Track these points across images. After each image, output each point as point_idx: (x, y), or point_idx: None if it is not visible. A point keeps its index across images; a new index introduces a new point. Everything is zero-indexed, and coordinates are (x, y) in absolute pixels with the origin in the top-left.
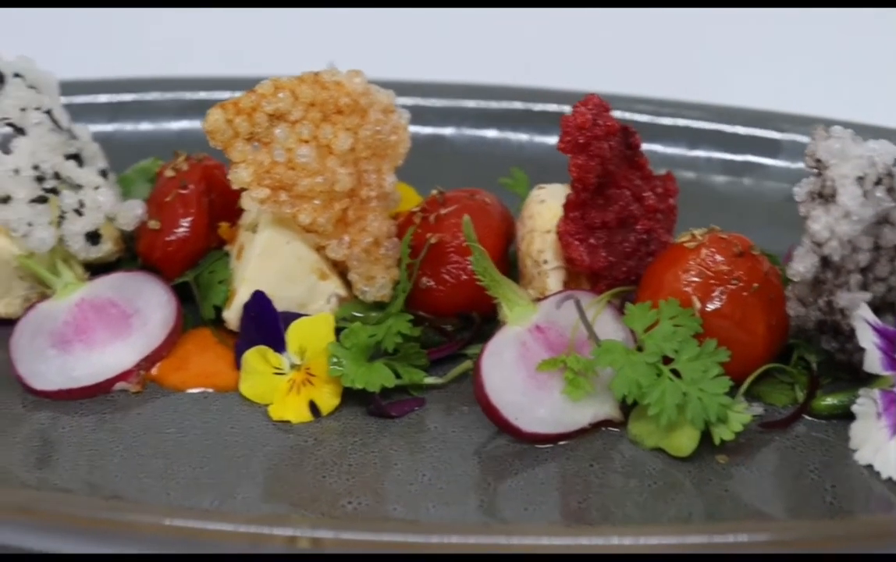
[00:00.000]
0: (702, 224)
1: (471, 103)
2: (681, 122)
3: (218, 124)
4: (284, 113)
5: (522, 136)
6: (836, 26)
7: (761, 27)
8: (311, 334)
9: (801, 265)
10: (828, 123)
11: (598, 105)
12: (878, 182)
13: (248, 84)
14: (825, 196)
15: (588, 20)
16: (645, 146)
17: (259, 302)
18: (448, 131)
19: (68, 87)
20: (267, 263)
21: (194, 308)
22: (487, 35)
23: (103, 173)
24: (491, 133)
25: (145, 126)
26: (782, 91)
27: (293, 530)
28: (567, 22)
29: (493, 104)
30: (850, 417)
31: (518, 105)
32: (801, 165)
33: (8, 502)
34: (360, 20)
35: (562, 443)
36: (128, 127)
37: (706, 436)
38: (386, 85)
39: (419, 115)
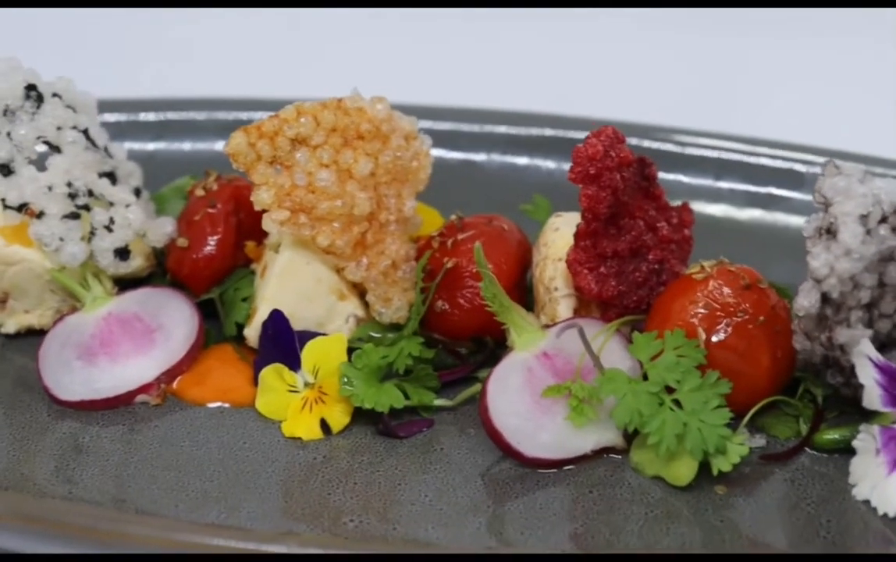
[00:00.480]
0: (723, 255)
1: (502, 129)
2: (707, 153)
3: (240, 147)
4: (306, 137)
5: (551, 164)
6: (868, 58)
7: (791, 59)
8: (324, 354)
9: (806, 300)
10: (853, 158)
11: (610, 136)
12: (882, 220)
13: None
14: (831, 232)
15: (620, 51)
16: (670, 176)
17: (276, 321)
18: (479, 157)
19: (114, 106)
20: (287, 282)
21: (218, 324)
22: (521, 62)
23: (137, 191)
24: (522, 160)
25: (187, 145)
26: (809, 123)
27: (284, 547)
28: (600, 53)
29: (524, 131)
30: (852, 452)
31: (548, 132)
32: None
33: (18, 510)
34: (398, 48)
35: (564, 468)
36: (171, 146)
37: (706, 466)
38: (418, 110)
39: (451, 140)
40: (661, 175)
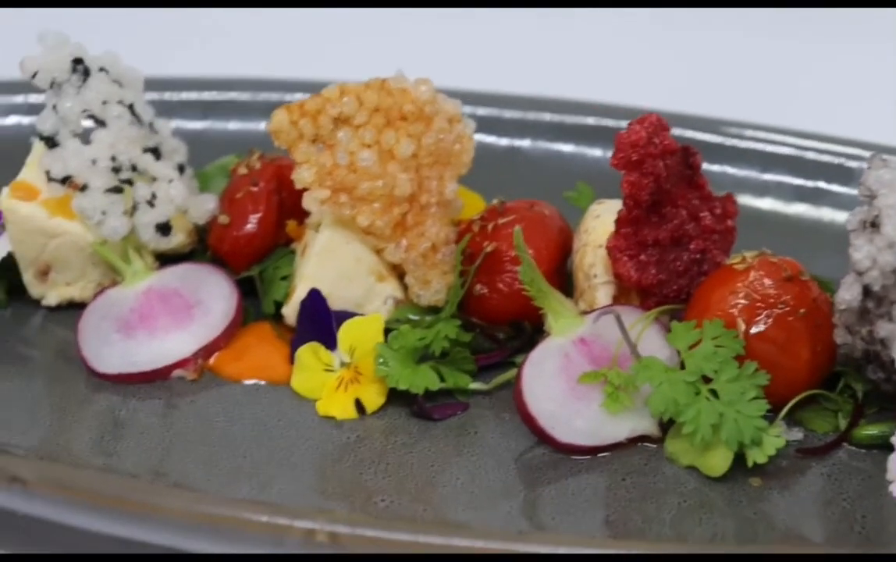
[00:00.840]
0: (767, 248)
1: (547, 116)
2: (754, 145)
3: (282, 125)
4: (349, 117)
5: (598, 152)
6: None
7: (840, 55)
8: (361, 334)
9: (848, 294)
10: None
11: (654, 124)
12: None
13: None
14: (875, 225)
15: (669, 43)
16: (716, 168)
17: (314, 300)
18: (524, 143)
19: (160, 85)
20: (326, 262)
21: (257, 302)
22: (567, 52)
23: (181, 168)
24: (567, 147)
25: (234, 125)
26: (859, 119)
27: (312, 523)
28: (647, 45)
29: (569, 118)
30: (891, 448)
31: (592, 120)
32: None
33: (55, 479)
34: (447, 33)
35: (598, 456)
36: (218, 125)
37: (742, 458)
38: (464, 96)
39: (497, 126)
40: (707, 166)
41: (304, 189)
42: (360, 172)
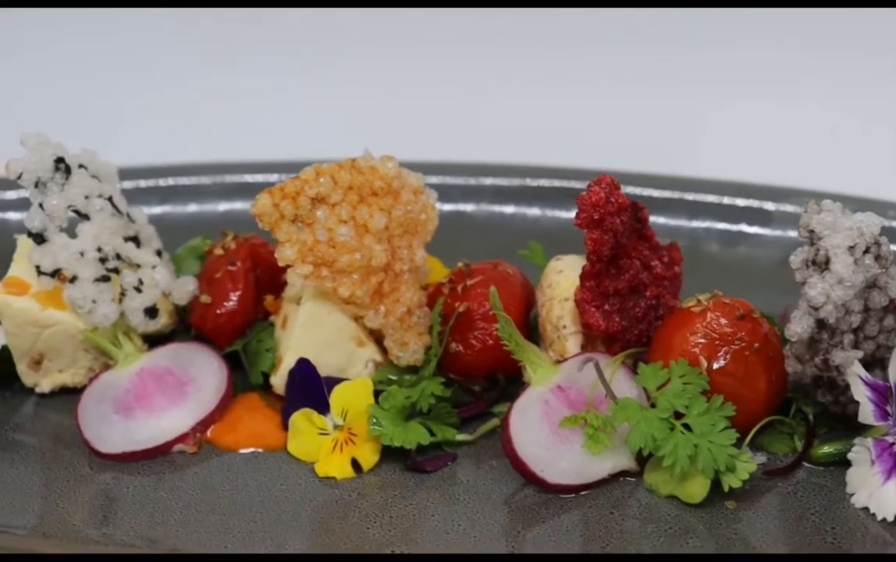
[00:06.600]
0: (701, 289)
1: (489, 181)
2: (681, 195)
3: (266, 208)
4: (325, 196)
5: (536, 211)
6: (815, 104)
7: (750, 105)
8: (352, 397)
9: (799, 327)
10: (815, 195)
11: (609, 184)
12: (866, 250)
13: (284, 167)
14: (818, 264)
15: (595, 104)
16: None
17: (304, 368)
18: (469, 207)
19: (124, 174)
20: (310, 332)
21: (243, 374)
22: (504, 119)
23: (158, 253)
24: (508, 208)
25: (192, 208)
26: (769, 165)
27: None
28: (576, 107)
29: (509, 181)
30: (846, 463)
31: (530, 182)
32: (791, 234)
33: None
34: (382, 107)
35: (583, 492)
36: (176, 209)
37: (715, 484)
38: (413, 166)
39: (443, 193)
40: None
41: (287, 266)
42: (338, 246)
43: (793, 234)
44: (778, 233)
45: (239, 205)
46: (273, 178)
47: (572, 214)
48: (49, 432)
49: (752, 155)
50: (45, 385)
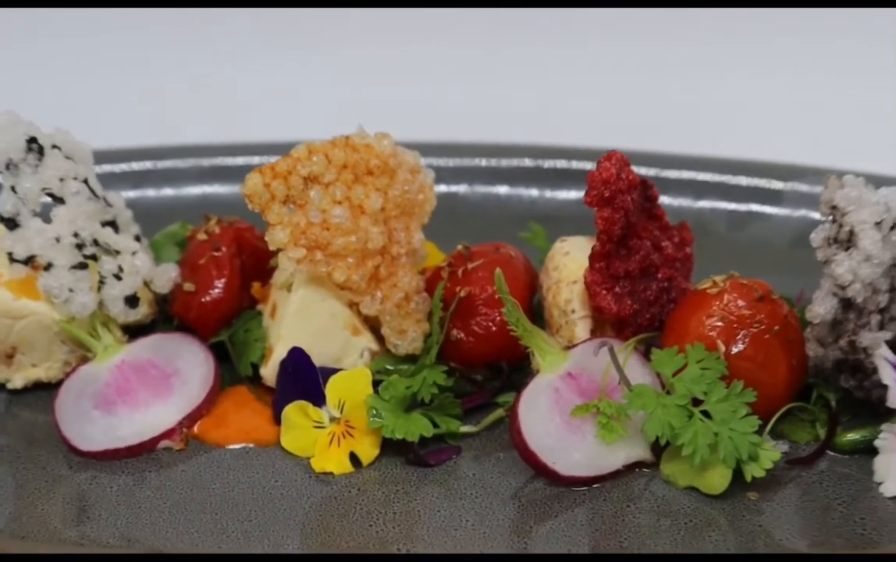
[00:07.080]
0: (710, 272)
1: (482, 162)
2: (686, 174)
3: (256, 188)
4: (318, 175)
5: (533, 192)
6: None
7: (758, 83)
8: (349, 388)
9: (822, 308)
10: (828, 173)
11: (620, 160)
12: (893, 226)
13: (266, 149)
14: (840, 242)
15: (599, 80)
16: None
17: (297, 358)
18: (461, 189)
19: (96, 157)
20: (303, 320)
21: (229, 366)
22: (499, 96)
23: (137, 239)
24: (503, 189)
25: (168, 192)
26: (780, 143)
27: None
28: (578, 82)
29: (504, 162)
30: (871, 451)
31: (528, 162)
32: (801, 213)
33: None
34: (372, 86)
35: (596, 485)
36: (151, 193)
37: (736, 473)
38: (405, 146)
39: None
40: None
41: (277, 250)
42: (333, 228)
43: (804, 213)
44: (788, 212)
45: (216, 188)
46: (255, 160)
47: (571, 194)
48: (22, 431)
49: (759, 134)
50: (17, 381)
